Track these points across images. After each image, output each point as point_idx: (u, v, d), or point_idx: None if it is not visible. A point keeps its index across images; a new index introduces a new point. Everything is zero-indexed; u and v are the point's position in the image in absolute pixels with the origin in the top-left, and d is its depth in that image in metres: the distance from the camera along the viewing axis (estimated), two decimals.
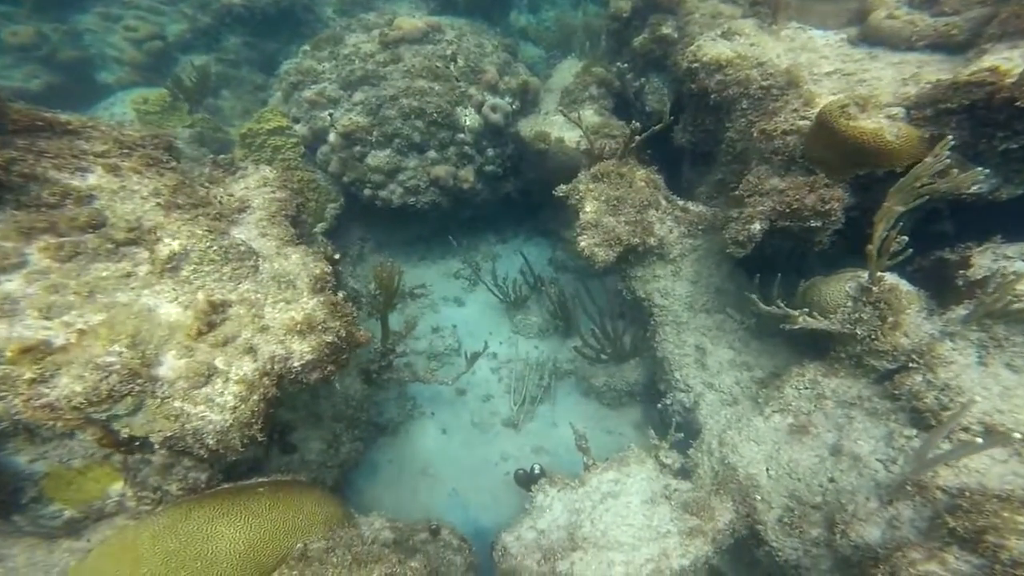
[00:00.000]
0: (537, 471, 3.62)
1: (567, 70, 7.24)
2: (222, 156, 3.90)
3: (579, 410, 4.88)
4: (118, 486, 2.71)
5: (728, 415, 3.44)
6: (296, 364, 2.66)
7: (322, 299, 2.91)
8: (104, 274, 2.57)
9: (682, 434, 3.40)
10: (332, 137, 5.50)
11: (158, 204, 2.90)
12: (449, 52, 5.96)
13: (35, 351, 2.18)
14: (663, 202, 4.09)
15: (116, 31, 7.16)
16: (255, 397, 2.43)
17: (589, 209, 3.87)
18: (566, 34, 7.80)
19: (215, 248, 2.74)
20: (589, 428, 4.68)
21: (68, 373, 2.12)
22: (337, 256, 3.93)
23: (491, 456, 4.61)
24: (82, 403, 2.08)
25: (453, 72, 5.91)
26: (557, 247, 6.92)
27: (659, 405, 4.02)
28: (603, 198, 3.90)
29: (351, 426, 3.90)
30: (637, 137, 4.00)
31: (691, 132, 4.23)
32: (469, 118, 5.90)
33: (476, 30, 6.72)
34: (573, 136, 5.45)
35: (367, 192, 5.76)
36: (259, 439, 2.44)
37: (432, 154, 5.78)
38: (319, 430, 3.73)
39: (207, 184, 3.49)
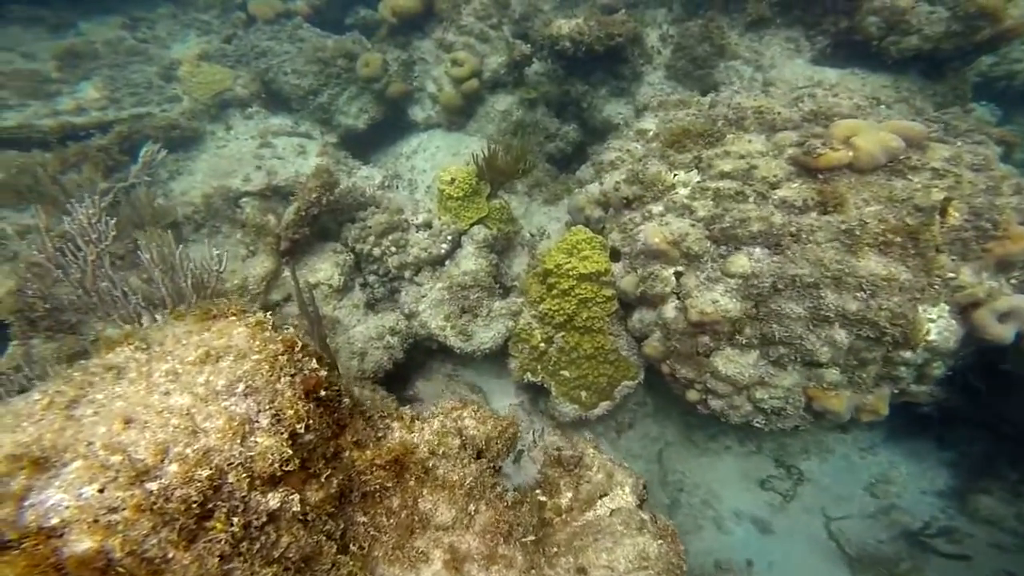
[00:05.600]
0: None
1: None
2: (564, 451, 2.04)
3: None
4: None
5: None
6: None
7: None
8: None
9: None
10: (670, 314, 3.11)
11: None
12: (936, 194, 2.75)
13: None
14: None
15: (443, 63, 5.88)
16: None
17: None
18: None
19: None
20: None
21: None
22: None
23: None
24: None
25: (935, 237, 2.74)
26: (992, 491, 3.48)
27: None
28: None
29: None
30: None
31: None
32: (937, 326, 2.76)
33: (969, 125, 3.18)
34: None
35: (692, 395, 3.33)
36: None
37: (832, 374, 2.92)
38: None
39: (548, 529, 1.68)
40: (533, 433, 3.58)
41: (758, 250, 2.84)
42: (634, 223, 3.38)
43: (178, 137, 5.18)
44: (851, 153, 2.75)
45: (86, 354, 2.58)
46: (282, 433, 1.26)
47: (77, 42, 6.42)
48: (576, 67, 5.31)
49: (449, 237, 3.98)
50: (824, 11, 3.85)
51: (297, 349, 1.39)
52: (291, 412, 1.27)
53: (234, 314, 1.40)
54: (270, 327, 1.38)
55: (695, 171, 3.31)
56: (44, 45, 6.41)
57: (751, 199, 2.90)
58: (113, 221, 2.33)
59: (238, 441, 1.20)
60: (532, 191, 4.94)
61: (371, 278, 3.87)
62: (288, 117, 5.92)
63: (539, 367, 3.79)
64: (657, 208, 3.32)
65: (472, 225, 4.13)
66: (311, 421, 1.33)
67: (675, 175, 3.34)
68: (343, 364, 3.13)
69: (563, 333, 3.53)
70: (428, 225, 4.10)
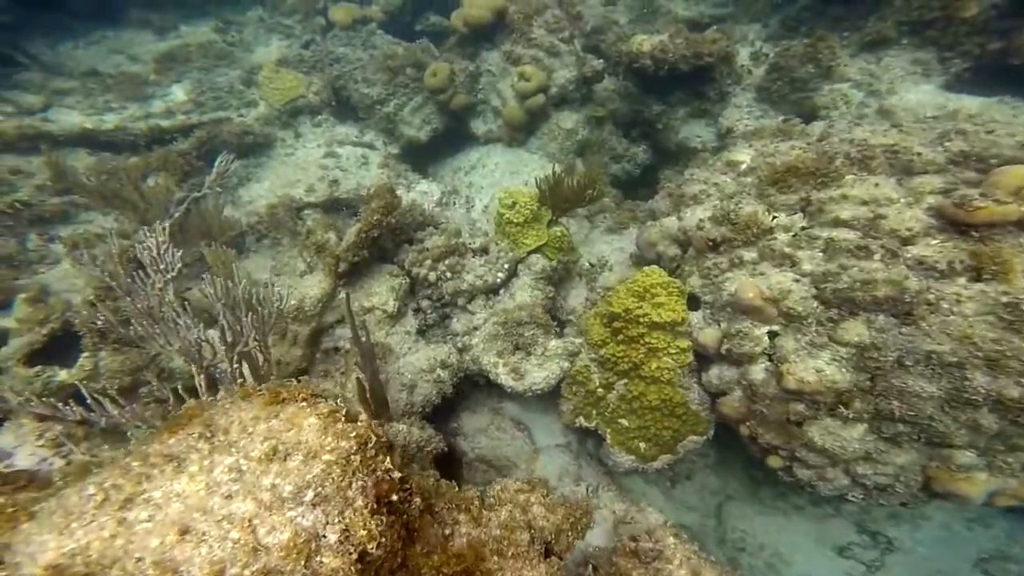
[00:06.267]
0: None
1: None
2: (642, 544, 1.73)
3: None
4: None
5: None
6: None
7: None
8: None
9: None
10: (758, 376, 2.67)
11: None
12: None
13: None
14: None
15: (509, 76, 5.66)
16: None
17: None
18: None
19: None
20: None
21: None
22: None
23: None
24: None
25: None
26: None
27: None
28: None
29: None
30: None
31: None
32: None
33: None
34: None
35: (774, 461, 2.86)
36: None
37: (965, 456, 2.37)
38: None
39: None
40: (587, 488, 3.24)
41: (881, 318, 2.34)
42: (720, 269, 2.95)
43: (250, 143, 5.28)
44: (1003, 209, 2.20)
45: (146, 371, 2.55)
46: (351, 554, 1.04)
47: (175, 45, 6.76)
48: (653, 85, 4.89)
49: (506, 265, 3.71)
50: (969, 31, 3.22)
51: (371, 446, 1.16)
52: (363, 532, 1.05)
53: (304, 399, 1.20)
54: (343, 418, 1.17)
55: (799, 215, 2.84)
56: (148, 48, 6.82)
57: (877, 256, 2.41)
58: (179, 253, 2.29)
59: (302, 562, 0.99)
60: (594, 217, 4.58)
61: (424, 303, 3.68)
62: (354, 126, 5.91)
63: (594, 412, 3.44)
64: (750, 255, 2.87)
65: (530, 253, 3.85)
66: (383, 538, 1.10)
67: (774, 217, 2.88)
68: (392, 397, 2.95)
69: (626, 381, 3.16)
70: (485, 250, 3.86)
